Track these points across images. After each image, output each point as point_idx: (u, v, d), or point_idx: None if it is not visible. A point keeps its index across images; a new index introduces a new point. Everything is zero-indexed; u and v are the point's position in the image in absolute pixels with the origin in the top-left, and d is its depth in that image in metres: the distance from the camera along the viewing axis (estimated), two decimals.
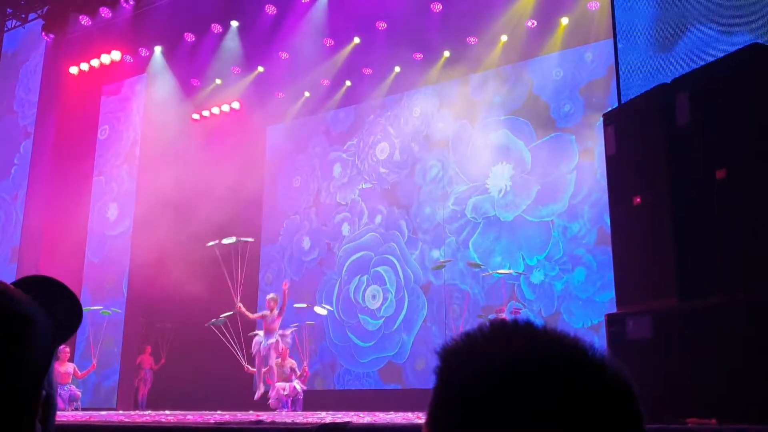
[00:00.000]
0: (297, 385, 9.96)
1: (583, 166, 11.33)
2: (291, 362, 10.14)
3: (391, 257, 13.10)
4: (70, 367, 10.48)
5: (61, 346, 10.51)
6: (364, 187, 13.76)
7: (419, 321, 12.64)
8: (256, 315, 10.23)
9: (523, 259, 11.52)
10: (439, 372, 0.66)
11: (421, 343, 12.40)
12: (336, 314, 13.50)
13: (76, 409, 10.12)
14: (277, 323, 9.95)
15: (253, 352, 9.98)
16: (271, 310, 9.98)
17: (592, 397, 0.61)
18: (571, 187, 11.51)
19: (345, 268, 13.65)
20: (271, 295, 10.23)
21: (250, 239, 11.15)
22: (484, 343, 0.65)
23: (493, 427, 0.60)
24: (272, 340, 9.83)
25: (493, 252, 11.82)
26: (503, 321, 0.67)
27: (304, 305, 11.45)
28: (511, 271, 10.93)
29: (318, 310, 11.45)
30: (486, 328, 0.66)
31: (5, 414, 0.73)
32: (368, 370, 13.05)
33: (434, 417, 0.64)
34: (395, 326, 12.88)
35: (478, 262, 11.24)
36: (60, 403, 9.98)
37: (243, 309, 10.25)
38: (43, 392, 0.82)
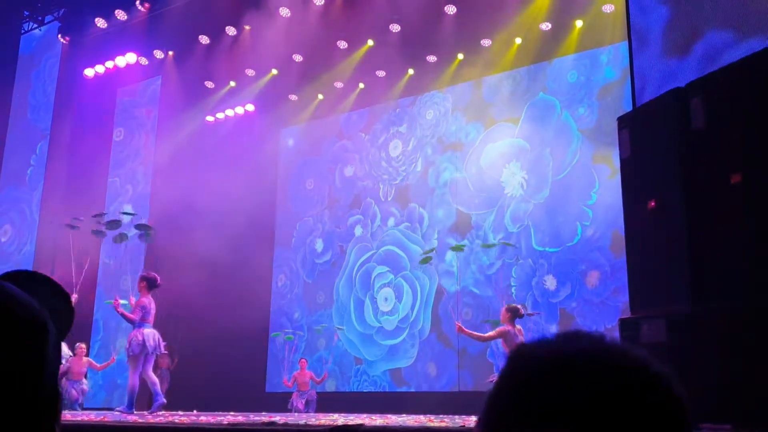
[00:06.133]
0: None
1: (598, 169, 11.29)
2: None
3: (417, 285, 12.86)
4: (86, 364, 10.49)
5: (78, 343, 10.51)
6: (377, 189, 13.76)
7: (400, 362, 12.60)
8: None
9: (587, 207, 11.24)
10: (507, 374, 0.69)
11: (432, 348, 12.38)
12: (353, 275, 13.55)
13: (80, 405, 10.16)
14: None
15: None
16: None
17: (631, 403, 0.64)
18: (573, 125, 11.59)
19: (383, 249, 13.48)
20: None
21: None
22: (546, 351, 0.68)
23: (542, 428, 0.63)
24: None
25: (560, 230, 11.42)
26: (570, 333, 0.70)
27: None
28: (503, 242, 10.89)
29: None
30: (556, 338, 0.69)
31: (32, 423, 0.73)
32: (351, 349, 13.20)
33: (489, 419, 0.67)
34: (383, 342, 12.89)
35: (461, 244, 10.99)
36: (75, 394, 10.05)
37: None
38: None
